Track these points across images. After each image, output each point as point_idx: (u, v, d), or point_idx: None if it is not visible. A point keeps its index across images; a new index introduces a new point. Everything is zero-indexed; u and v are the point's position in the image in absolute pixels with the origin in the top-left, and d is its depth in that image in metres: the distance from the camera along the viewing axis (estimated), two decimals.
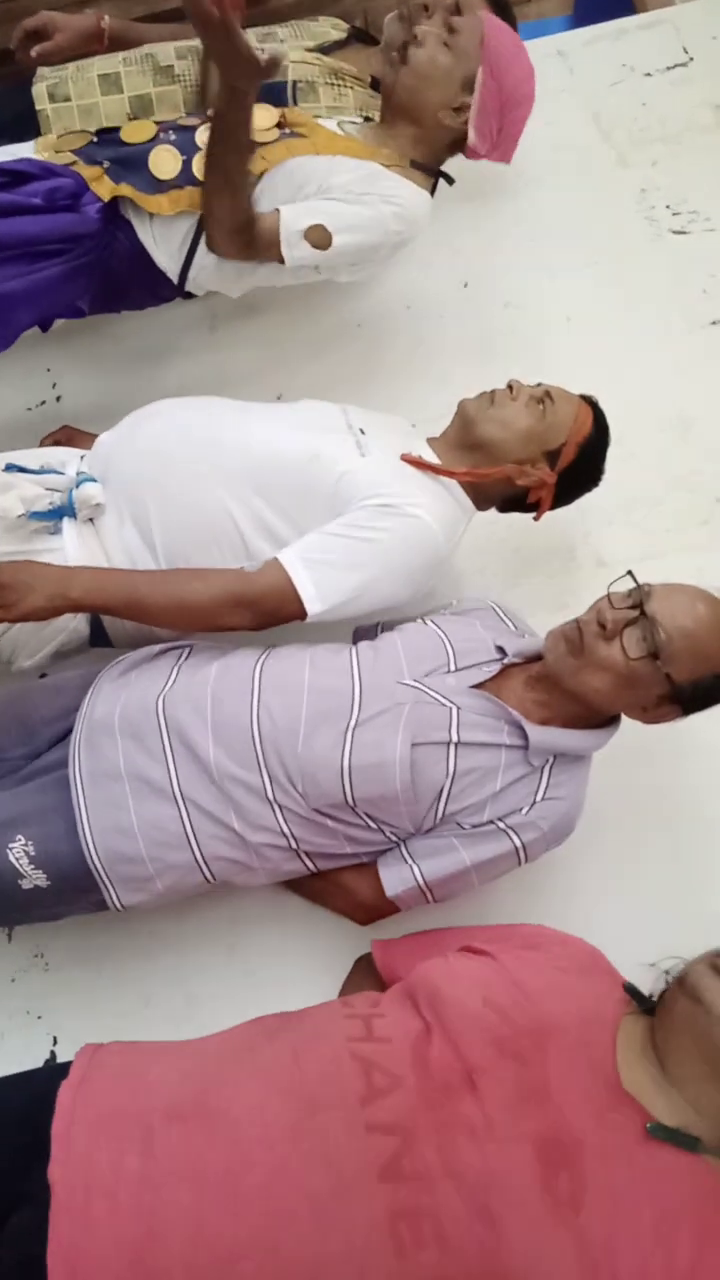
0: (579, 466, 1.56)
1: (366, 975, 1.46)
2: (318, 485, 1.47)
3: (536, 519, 1.62)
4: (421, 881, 1.36)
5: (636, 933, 1.55)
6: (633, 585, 1.35)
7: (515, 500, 1.60)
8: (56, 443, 1.81)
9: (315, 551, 1.44)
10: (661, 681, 1.30)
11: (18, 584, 1.35)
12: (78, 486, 1.51)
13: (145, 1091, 1.11)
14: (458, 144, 1.78)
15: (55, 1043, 1.57)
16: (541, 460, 1.54)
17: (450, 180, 1.84)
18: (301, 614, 1.43)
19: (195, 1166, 1.03)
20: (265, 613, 1.44)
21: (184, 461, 1.50)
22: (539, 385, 1.56)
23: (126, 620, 1.47)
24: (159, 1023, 1.56)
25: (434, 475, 1.53)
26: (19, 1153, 1.07)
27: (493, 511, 1.69)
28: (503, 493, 1.58)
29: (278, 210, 1.64)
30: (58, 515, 1.52)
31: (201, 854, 1.35)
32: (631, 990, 1.20)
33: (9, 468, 1.54)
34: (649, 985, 1.21)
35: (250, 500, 1.48)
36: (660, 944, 1.53)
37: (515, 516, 1.74)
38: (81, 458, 1.61)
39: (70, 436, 1.82)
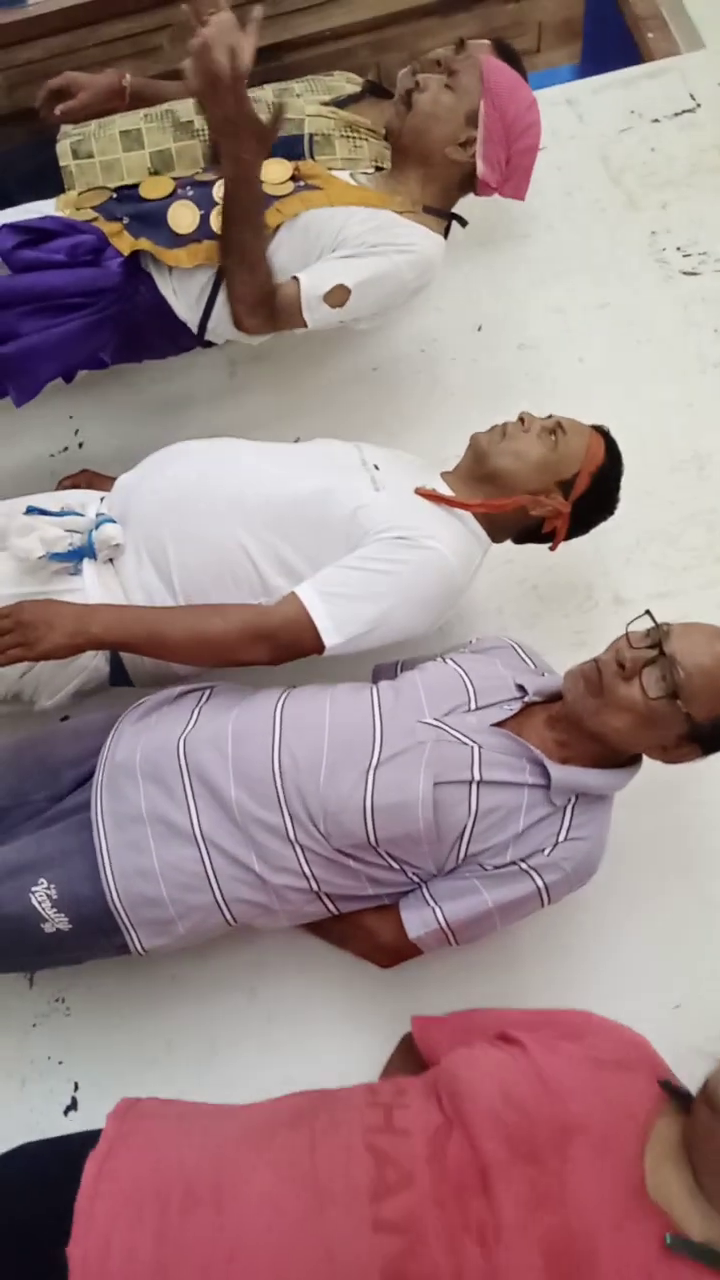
0: (593, 495, 1.58)
1: (409, 1053, 1.44)
2: (333, 521, 1.48)
3: (553, 549, 1.63)
4: (444, 923, 1.36)
5: (659, 975, 1.56)
6: (651, 624, 1.35)
7: (530, 531, 1.61)
8: (75, 486, 1.84)
9: (332, 585, 1.45)
10: (681, 721, 1.29)
11: (39, 622, 1.37)
12: (97, 528, 1.54)
13: (167, 1168, 1.10)
14: (468, 181, 1.82)
15: (76, 1089, 1.56)
16: (555, 490, 1.56)
17: (464, 222, 1.88)
18: (319, 647, 1.44)
19: (204, 1255, 1.02)
20: (283, 646, 1.45)
21: (201, 501, 1.53)
22: (550, 416, 1.58)
23: (146, 657, 1.49)
24: (181, 1068, 1.55)
25: (449, 508, 1.54)
26: (47, 1219, 1.07)
27: (510, 549, 1.71)
28: (518, 524, 1.60)
29: (295, 279, 1.68)
30: (78, 556, 1.54)
31: (223, 896, 1.35)
32: (669, 1088, 1.14)
33: (30, 510, 1.56)
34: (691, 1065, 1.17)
35: (267, 538, 1.50)
36: (683, 986, 1.54)
37: (532, 555, 1.76)
38: (101, 499, 1.63)
39: (90, 480, 1.85)
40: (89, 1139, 1.16)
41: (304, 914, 1.41)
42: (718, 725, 1.31)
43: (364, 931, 1.44)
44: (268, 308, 1.67)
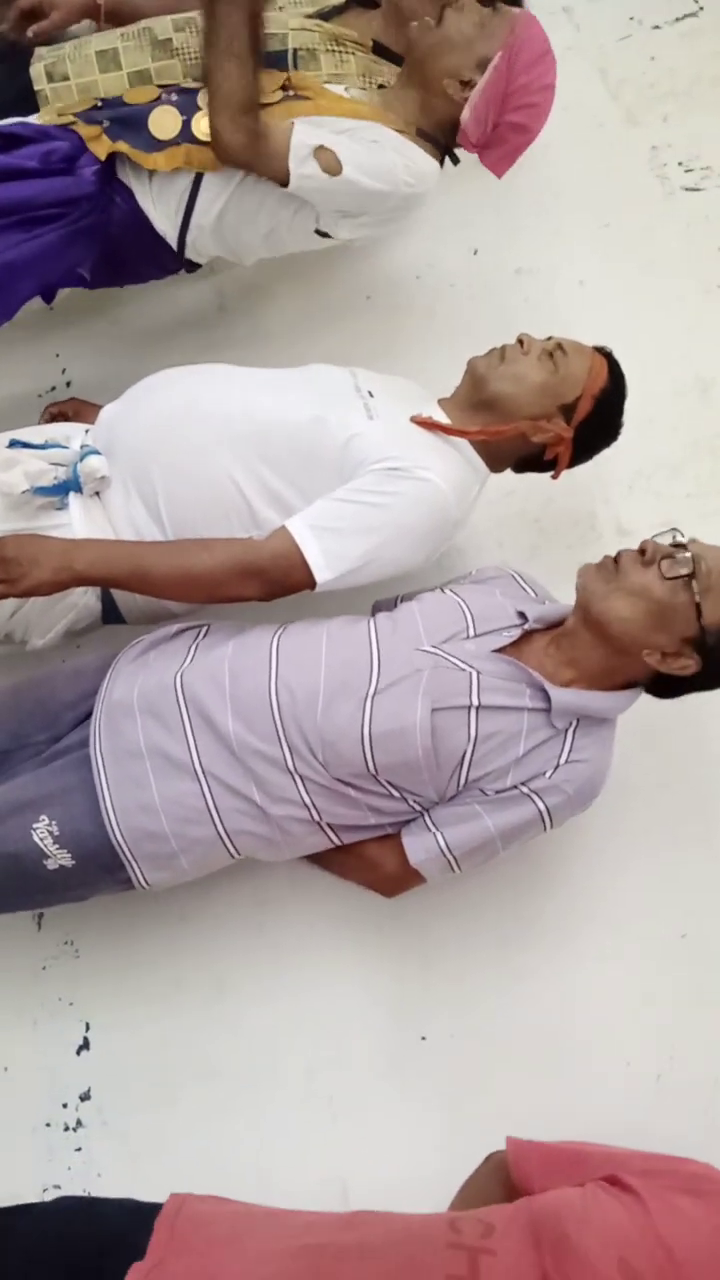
0: (596, 420, 1.52)
1: (494, 1175, 1.27)
2: (324, 450, 1.44)
3: (554, 477, 1.59)
4: (446, 849, 1.35)
5: (664, 905, 1.55)
6: (674, 539, 1.35)
7: (531, 460, 1.57)
8: (63, 413, 1.79)
9: (323, 519, 1.41)
10: (691, 619, 1.28)
11: (22, 558, 1.35)
12: (82, 460, 1.50)
13: None
14: (455, 124, 1.72)
15: (88, 1029, 1.57)
16: (557, 415, 1.50)
17: (455, 160, 1.80)
18: (310, 582, 1.41)
19: None
20: (273, 581, 1.42)
21: (188, 430, 1.48)
22: (550, 338, 1.52)
23: (137, 594, 1.46)
24: (190, 1007, 1.56)
25: (445, 436, 1.50)
26: None
27: (511, 481, 1.66)
28: (517, 452, 1.55)
29: (291, 122, 1.59)
30: (63, 490, 1.50)
31: (224, 828, 1.35)
32: None
33: (13, 444, 1.52)
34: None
35: (256, 468, 1.46)
36: (692, 917, 1.54)
37: (533, 486, 1.72)
38: (86, 431, 1.59)
39: (78, 409, 1.80)
40: (140, 1219, 1.06)
41: (306, 845, 1.41)
42: None
43: (367, 861, 1.43)
44: (252, 119, 1.54)
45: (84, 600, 1.52)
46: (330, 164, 1.58)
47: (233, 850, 1.38)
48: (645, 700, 1.40)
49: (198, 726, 1.34)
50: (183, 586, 1.42)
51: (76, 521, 1.49)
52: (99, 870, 1.37)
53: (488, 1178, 1.26)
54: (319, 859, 1.49)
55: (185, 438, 1.48)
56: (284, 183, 1.61)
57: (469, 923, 1.55)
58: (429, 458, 1.45)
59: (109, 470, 1.51)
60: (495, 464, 1.56)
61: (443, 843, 1.35)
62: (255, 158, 1.58)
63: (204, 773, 1.33)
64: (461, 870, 1.39)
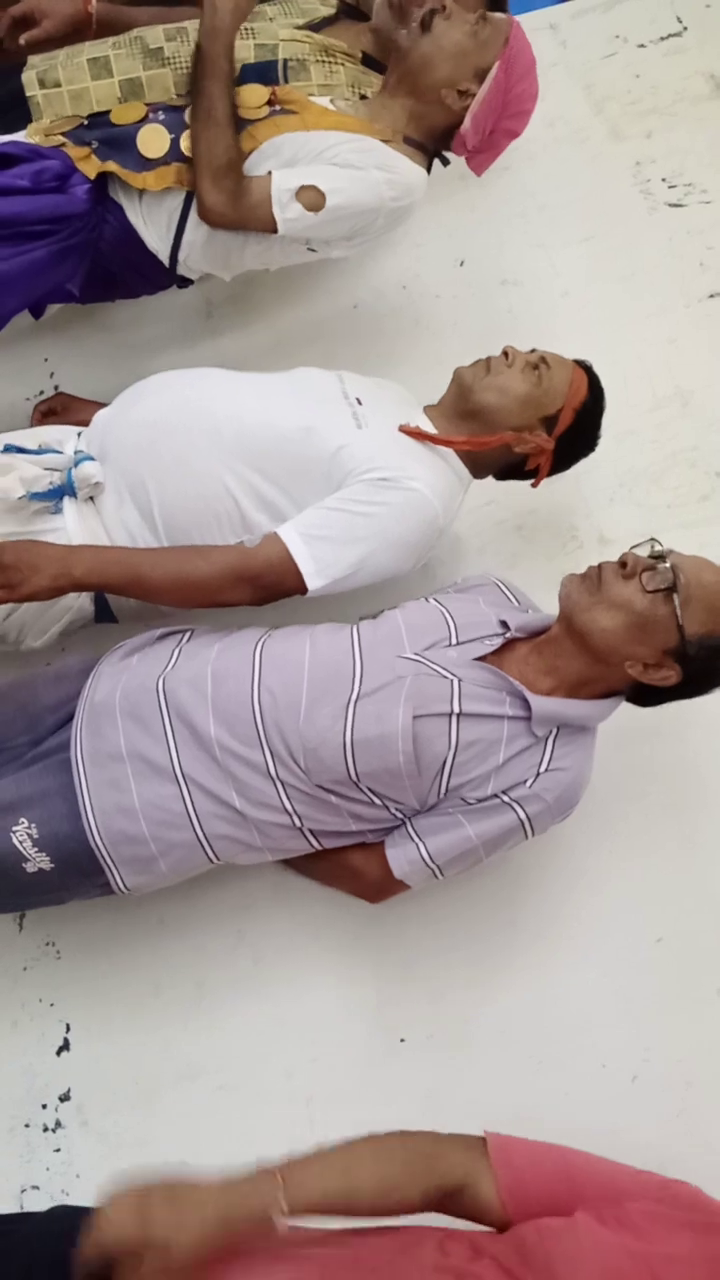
0: (576, 431, 1.56)
1: (466, 1151, 1.13)
2: (314, 458, 1.47)
3: (535, 485, 1.62)
4: (428, 858, 1.36)
5: (640, 910, 1.57)
6: (654, 547, 1.36)
7: (513, 468, 1.60)
8: (51, 410, 1.81)
9: (314, 527, 1.44)
10: (671, 631, 1.29)
11: (21, 564, 1.36)
12: (76, 465, 1.51)
13: None
14: (449, 132, 1.75)
15: (68, 1030, 1.58)
16: (539, 426, 1.54)
17: (445, 161, 1.83)
18: (302, 588, 1.44)
19: None
20: (265, 587, 1.45)
21: (180, 437, 1.51)
22: (534, 351, 1.55)
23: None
24: (170, 1010, 1.57)
25: (432, 445, 1.53)
26: None
27: (493, 490, 1.69)
28: (500, 460, 1.58)
29: (269, 172, 1.63)
30: (58, 495, 1.52)
31: (204, 833, 1.35)
32: None
33: (8, 449, 1.54)
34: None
35: (247, 474, 1.49)
36: (667, 922, 1.56)
37: (515, 496, 1.75)
38: (79, 435, 1.61)
39: (66, 404, 1.82)
40: None
41: (287, 850, 1.42)
42: (705, 648, 1.31)
43: (350, 869, 1.45)
44: (234, 179, 1.61)
45: (78, 603, 1.54)
46: (314, 201, 1.62)
47: (212, 855, 1.38)
48: (625, 708, 1.41)
49: (179, 730, 1.35)
50: (178, 592, 1.44)
51: (71, 526, 1.51)
52: (77, 873, 1.37)
53: (453, 1148, 1.14)
54: (302, 866, 1.50)
55: (177, 443, 1.50)
56: (273, 231, 1.65)
57: (448, 927, 1.57)
58: (416, 467, 1.48)
59: (103, 475, 1.52)
60: (479, 472, 1.60)
61: (425, 852, 1.36)
62: (239, 214, 1.63)
63: (184, 776, 1.34)
64: (444, 878, 1.41)
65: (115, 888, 1.39)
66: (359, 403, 1.53)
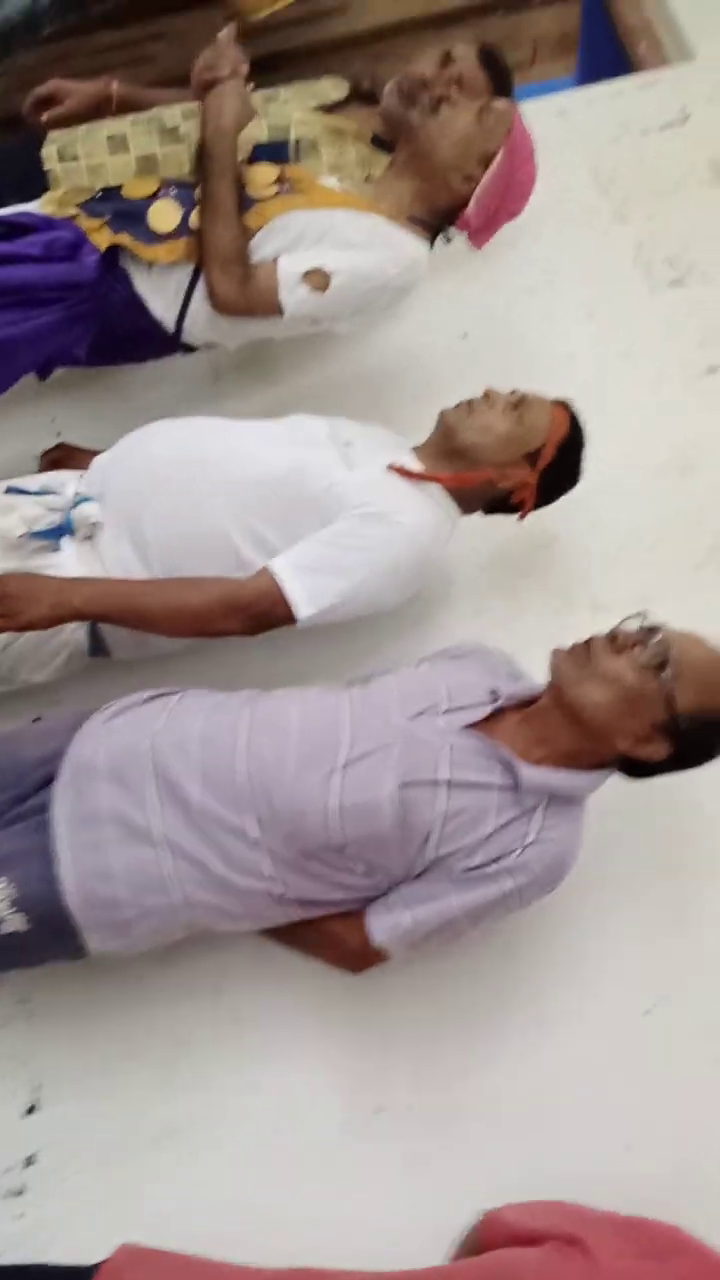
0: (558, 466, 1.63)
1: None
2: (306, 498, 1.53)
3: (521, 519, 1.67)
4: (410, 929, 1.34)
5: (632, 982, 1.55)
6: (644, 622, 1.37)
7: (499, 502, 1.65)
8: (55, 461, 1.86)
9: (305, 559, 1.49)
10: (661, 706, 1.29)
11: (22, 594, 1.40)
12: (76, 506, 1.57)
13: None
14: (454, 212, 1.81)
15: (39, 1090, 1.55)
16: (522, 463, 1.59)
17: (448, 238, 1.88)
18: (292, 618, 1.49)
19: None
20: (257, 617, 1.49)
21: (177, 479, 1.56)
22: (514, 392, 1.61)
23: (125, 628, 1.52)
24: (145, 1071, 1.54)
25: (419, 482, 1.58)
26: None
27: (488, 554, 1.72)
28: (486, 496, 1.64)
29: (274, 260, 1.69)
30: (57, 534, 1.57)
31: (183, 898, 1.34)
32: None
33: (10, 490, 1.60)
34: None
35: (242, 514, 1.54)
36: (656, 994, 1.53)
37: (511, 558, 1.78)
38: (80, 477, 1.66)
39: (69, 455, 1.87)
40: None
41: (267, 919, 1.40)
42: (695, 720, 1.30)
43: (330, 938, 1.42)
44: (241, 268, 1.68)
45: (75, 637, 1.58)
46: (319, 283, 1.68)
47: (188, 921, 1.37)
48: (617, 779, 1.40)
49: (163, 794, 1.34)
50: (173, 622, 1.49)
51: (69, 563, 1.56)
52: (52, 936, 1.36)
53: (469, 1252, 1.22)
54: (280, 935, 1.47)
55: (174, 486, 1.56)
56: (280, 314, 1.71)
57: (431, 997, 1.54)
58: (405, 503, 1.54)
59: (101, 516, 1.57)
60: (466, 507, 1.65)
61: (407, 922, 1.34)
62: (247, 300, 1.70)
63: (166, 841, 1.33)
64: (427, 950, 1.39)
65: (90, 951, 1.37)
66: (349, 445, 1.59)
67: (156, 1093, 1.53)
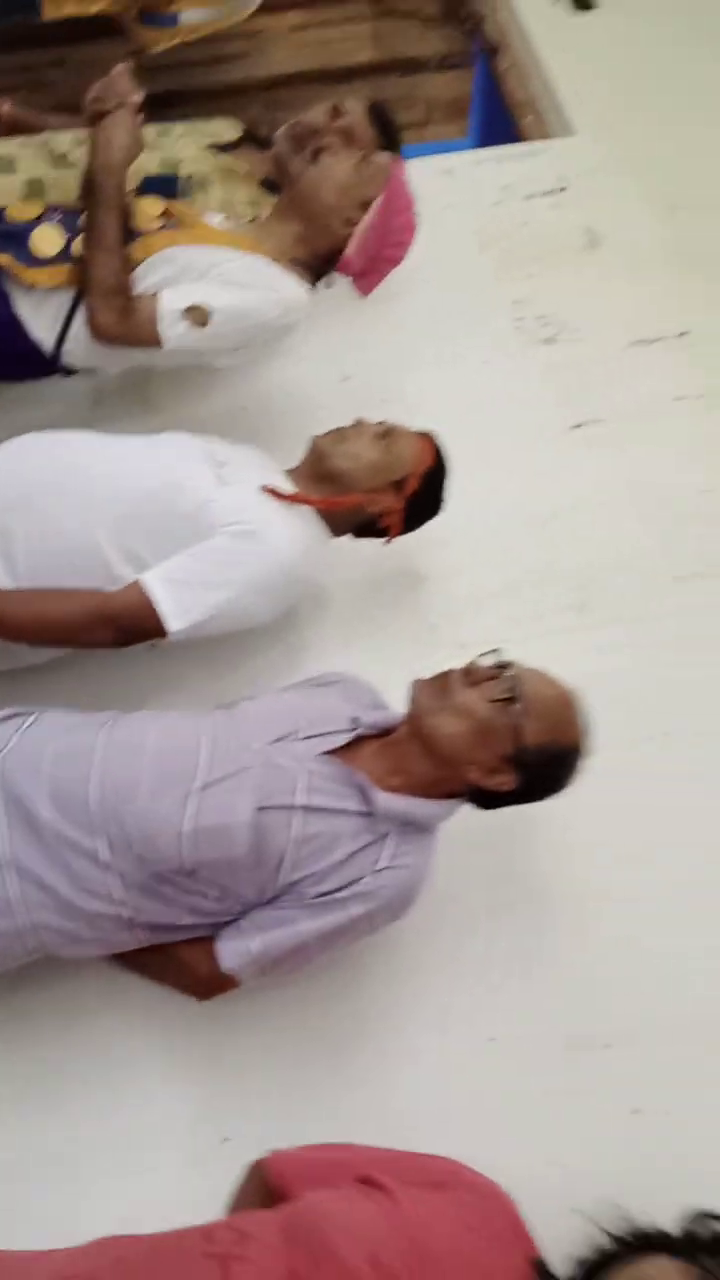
0: (424, 494, 1.72)
1: (259, 1188, 1.24)
2: (179, 514, 1.55)
3: (387, 543, 1.76)
4: (259, 953, 1.35)
5: (476, 1011, 1.58)
6: (498, 659, 1.42)
7: (367, 526, 1.73)
8: None
9: (176, 572, 1.52)
10: (509, 739, 1.34)
11: None
12: None
13: None
14: (335, 256, 1.88)
15: None
16: (389, 490, 1.68)
17: (330, 283, 1.94)
18: (162, 631, 1.51)
19: None
20: (125, 629, 1.52)
21: (50, 492, 1.57)
22: (381, 422, 1.70)
23: None
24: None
25: (291, 504, 1.63)
26: None
27: (358, 589, 1.78)
28: (355, 519, 1.72)
29: (156, 294, 1.71)
30: None
31: (28, 922, 1.32)
32: (541, 1269, 1.04)
33: None
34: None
35: (114, 529, 1.55)
36: (497, 1023, 1.56)
37: (381, 596, 1.83)
38: None
39: None
40: None
41: (115, 944, 1.39)
42: (541, 753, 1.36)
43: (178, 963, 1.41)
44: (123, 299, 1.71)
45: None
46: (199, 318, 1.72)
47: (35, 945, 1.35)
48: (472, 812, 1.45)
49: (10, 813, 1.32)
50: (39, 630, 1.52)
51: None
52: None
53: (253, 1191, 1.23)
54: (127, 960, 1.46)
55: (48, 499, 1.56)
56: (159, 346, 1.74)
57: (280, 1024, 1.54)
58: (276, 522, 1.59)
59: None
60: (336, 529, 1.72)
61: (256, 947, 1.35)
62: (127, 331, 1.73)
63: (13, 862, 1.31)
64: (276, 974, 1.40)
65: None
66: (223, 465, 1.63)
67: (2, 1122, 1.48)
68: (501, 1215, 1.08)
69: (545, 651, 1.79)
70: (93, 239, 1.71)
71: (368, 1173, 1.09)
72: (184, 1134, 1.49)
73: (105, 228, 1.70)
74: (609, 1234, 0.99)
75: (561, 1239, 1.02)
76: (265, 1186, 1.19)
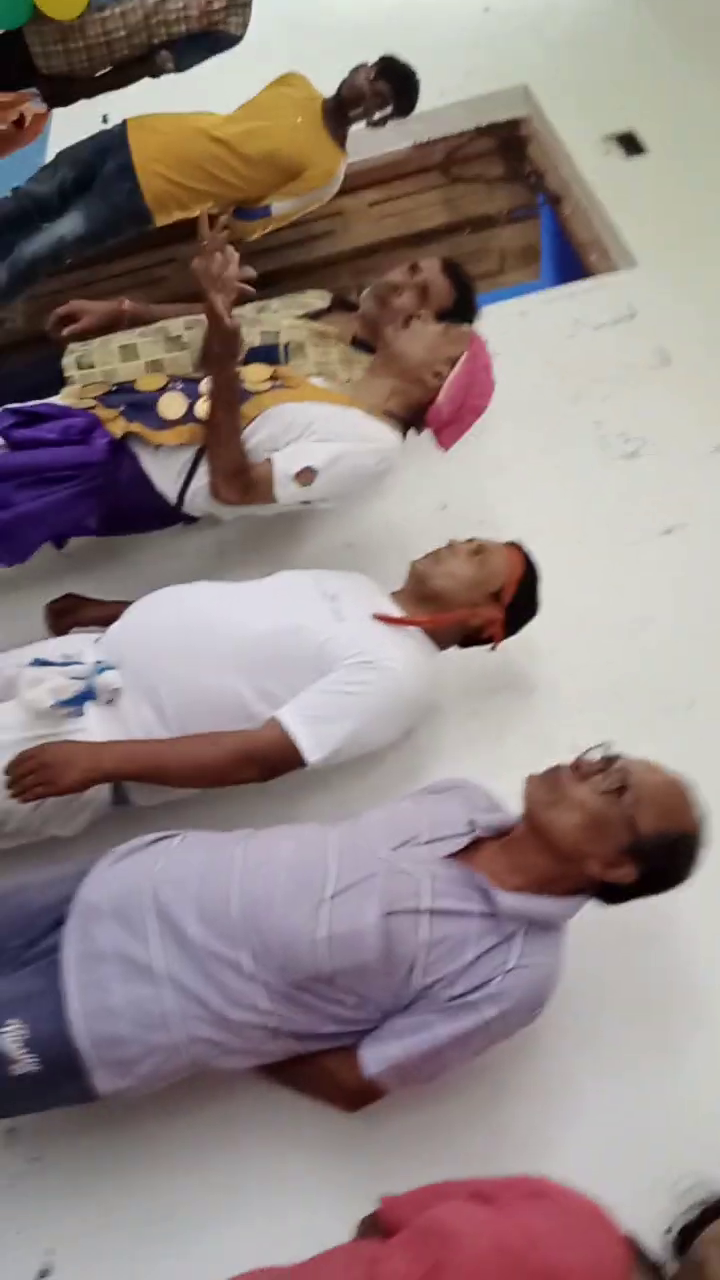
0: (520, 600, 1.83)
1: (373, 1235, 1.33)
2: (304, 653, 1.69)
3: (492, 649, 1.87)
4: (398, 1059, 1.38)
5: (627, 1125, 1.56)
6: (605, 752, 1.46)
7: (471, 637, 1.85)
8: (61, 611, 2.04)
9: (309, 708, 1.65)
10: (625, 829, 1.37)
11: (59, 762, 1.54)
12: (99, 674, 1.72)
13: None
14: (423, 407, 2.04)
15: (52, 1252, 1.53)
16: (488, 601, 1.79)
17: (419, 429, 2.11)
18: (301, 763, 1.64)
19: None
20: (270, 765, 1.65)
21: (186, 648, 1.74)
22: (471, 540, 1.82)
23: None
24: (145, 1225, 1.53)
25: (401, 627, 1.75)
26: None
27: (477, 703, 1.91)
28: (460, 633, 1.84)
29: (269, 460, 1.92)
30: (82, 700, 1.72)
31: (185, 1035, 1.38)
32: (636, 1249, 1.14)
33: (35, 662, 1.75)
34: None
35: (247, 674, 1.70)
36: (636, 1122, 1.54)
37: (495, 707, 1.95)
38: (95, 641, 1.82)
39: (74, 604, 2.05)
40: None
41: (264, 1053, 1.44)
42: (660, 841, 1.37)
43: (323, 1072, 1.45)
44: (242, 479, 1.93)
45: (99, 794, 1.70)
46: (307, 479, 1.92)
47: (191, 1059, 1.41)
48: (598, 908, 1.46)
49: (163, 931, 1.41)
50: (194, 776, 1.65)
51: (94, 727, 1.70)
52: (62, 1075, 1.39)
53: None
54: (276, 1073, 1.50)
55: (184, 654, 1.73)
56: (272, 502, 1.95)
57: (430, 1133, 1.54)
58: (391, 648, 1.71)
59: (121, 681, 1.73)
60: (443, 644, 1.83)
61: (394, 1053, 1.38)
62: (248, 500, 1.96)
63: (167, 977, 1.39)
64: (418, 1082, 1.42)
65: (97, 1092, 1.40)
66: (335, 598, 1.77)
67: (161, 1256, 1.51)
68: (591, 1211, 1.18)
69: (655, 750, 1.83)
70: (215, 433, 1.92)
71: (473, 1191, 1.22)
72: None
73: (225, 426, 1.91)
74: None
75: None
76: (381, 1230, 1.27)
